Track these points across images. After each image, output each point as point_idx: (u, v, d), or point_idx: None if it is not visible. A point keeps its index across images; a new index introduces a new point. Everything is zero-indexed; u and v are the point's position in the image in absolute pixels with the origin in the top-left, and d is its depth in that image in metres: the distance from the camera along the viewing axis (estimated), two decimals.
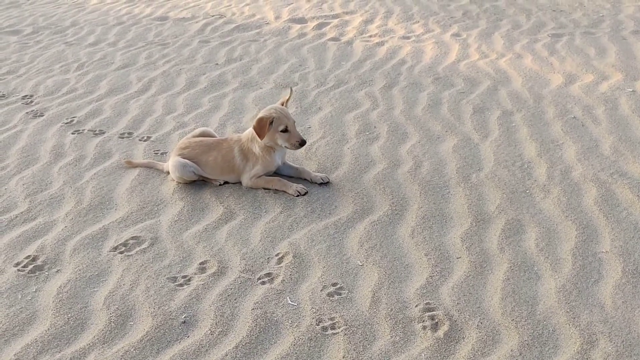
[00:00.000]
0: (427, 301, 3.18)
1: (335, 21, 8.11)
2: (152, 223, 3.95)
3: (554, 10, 8.19)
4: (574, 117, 5.16)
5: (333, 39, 7.42)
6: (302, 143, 4.18)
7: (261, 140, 4.18)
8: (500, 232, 3.70)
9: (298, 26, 7.96)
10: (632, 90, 5.61)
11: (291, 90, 4.55)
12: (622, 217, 3.79)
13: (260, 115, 4.21)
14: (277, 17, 8.40)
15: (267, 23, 8.18)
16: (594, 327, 2.97)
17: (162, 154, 4.84)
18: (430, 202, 4.04)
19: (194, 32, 7.96)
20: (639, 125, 4.96)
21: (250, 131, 4.29)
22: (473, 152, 4.67)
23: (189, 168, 4.30)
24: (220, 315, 3.15)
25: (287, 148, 4.23)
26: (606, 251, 3.49)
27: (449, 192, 4.15)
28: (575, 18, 7.83)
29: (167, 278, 3.44)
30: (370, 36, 7.48)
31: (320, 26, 7.93)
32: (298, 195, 4.14)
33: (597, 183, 4.16)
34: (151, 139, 5.10)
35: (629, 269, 3.33)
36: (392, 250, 3.58)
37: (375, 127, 5.15)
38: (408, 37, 7.38)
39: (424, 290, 3.25)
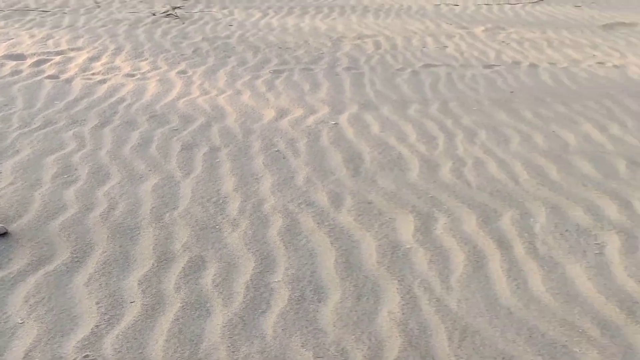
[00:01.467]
0: (86, 353, 3.03)
1: (58, 58, 7.73)
2: None
3: (280, 48, 8.61)
4: (277, 150, 5.40)
5: (51, 77, 7.05)
6: None
7: None
8: (180, 270, 3.69)
9: (13, 63, 7.44)
10: (335, 123, 6.03)
11: None
12: (301, 245, 3.99)
13: None
14: None
15: None
16: (251, 359, 3.04)
17: None
18: (116, 246, 3.91)
19: None
20: (334, 156, 5.32)
21: None
22: (173, 190, 4.65)
23: None
24: None
25: None
26: (279, 280, 3.63)
27: (139, 233, 4.07)
28: (298, 55, 8.30)
29: None
30: (93, 74, 7.23)
31: (39, 63, 7.49)
32: None
33: (285, 214, 4.35)
34: None
35: (295, 296, 3.49)
36: (60, 303, 3.39)
37: (76, 169, 4.92)
38: (133, 75, 7.26)
39: (86, 342, 3.10)
